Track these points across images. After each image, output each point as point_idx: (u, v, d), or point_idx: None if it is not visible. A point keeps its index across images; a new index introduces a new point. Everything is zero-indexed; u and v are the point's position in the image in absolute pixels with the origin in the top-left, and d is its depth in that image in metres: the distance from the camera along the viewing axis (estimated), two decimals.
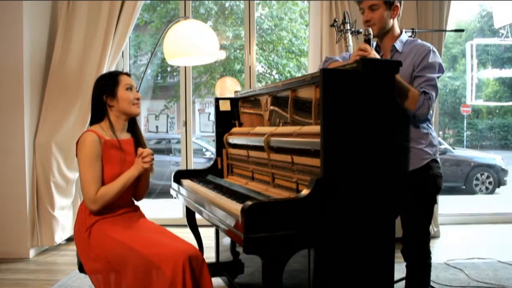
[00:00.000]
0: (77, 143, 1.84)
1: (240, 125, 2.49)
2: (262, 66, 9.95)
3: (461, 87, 12.85)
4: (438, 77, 1.90)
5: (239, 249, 2.36)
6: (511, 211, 4.68)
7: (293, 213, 1.38)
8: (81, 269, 1.87)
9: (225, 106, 2.49)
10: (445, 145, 8.12)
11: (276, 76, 9.93)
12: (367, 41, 1.83)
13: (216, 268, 2.54)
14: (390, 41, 1.98)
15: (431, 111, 1.92)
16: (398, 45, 1.95)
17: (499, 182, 7.65)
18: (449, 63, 13.16)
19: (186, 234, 2.02)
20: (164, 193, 5.59)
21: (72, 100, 3.38)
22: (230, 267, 2.46)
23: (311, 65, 3.62)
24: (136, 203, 2.05)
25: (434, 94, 1.84)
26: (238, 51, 9.60)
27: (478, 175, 7.62)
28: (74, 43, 3.40)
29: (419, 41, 1.98)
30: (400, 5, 1.96)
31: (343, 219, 1.46)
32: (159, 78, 10.96)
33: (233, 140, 2.35)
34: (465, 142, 13.32)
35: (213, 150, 6.23)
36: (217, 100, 2.50)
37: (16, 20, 3.14)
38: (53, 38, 3.47)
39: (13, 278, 2.84)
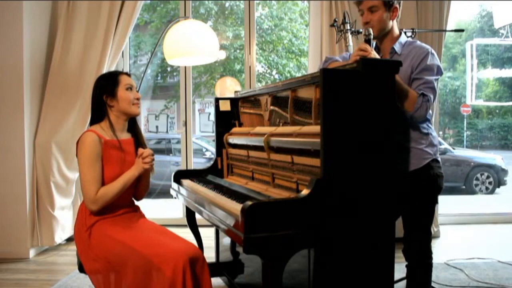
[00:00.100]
0: (77, 143, 1.84)
1: (240, 125, 2.49)
2: (262, 66, 9.95)
3: (461, 87, 12.84)
4: (436, 79, 1.90)
5: (239, 249, 2.36)
6: (511, 211, 4.67)
7: (293, 213, 1.38)
8: (81, 269, 1.87)
9: (225, 106, 2.49)
10: (445, 145, 8.12)
11: (276, 76, 9.93)
12: (367, 41, 1.83)
13: (216, 268, 2.54)
14: (390, 42, 1.98)
15: (430, 112, 1.92)
16: (397, 47, 1.95)
17: (499, 182, 7.65)
18: (449, 63, 13.16)
19: (186, 234, 2.02)
20: (164, 193, 5.59)
21: (72, 100, 3.38)
22: (230, 267, 2.46)
23: (311, 65, 3.62)
24: (136, 203, 2.05)
25: (432, 96, 1.84)
26: (238, 51, 9.61)
27: (478, 175, 7.62)
28: (74, 43, 3.40)
29: (418, 42, 1.98)
30: (399, 6, 1.96)
31: (343, 219, 1.46)
32: (159, 78, 10.96)
33: (233, 140, 2.35)
34: (465, 142, 13.32)
35: (213, 150, 6.23)
36: (217, 100, 2.50)
37: (16, 20, 3.14)
38: (53, 38, 3.47)
39: (13, 278, 2.84)
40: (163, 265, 1.60)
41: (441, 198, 2.16)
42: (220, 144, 2.46)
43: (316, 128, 1.54)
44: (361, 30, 2.21)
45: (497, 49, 12.24)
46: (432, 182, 1.93)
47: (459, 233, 3.95)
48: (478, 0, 11.72)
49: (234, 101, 2.51)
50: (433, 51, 1.92)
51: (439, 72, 1.91)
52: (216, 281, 2.50)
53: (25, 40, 3.17)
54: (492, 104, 13.58)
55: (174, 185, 2.41)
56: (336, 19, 2.44)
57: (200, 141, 8.20)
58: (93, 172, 1.78)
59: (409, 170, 1.93)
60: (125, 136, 1.95)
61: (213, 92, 9.14)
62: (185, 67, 3.95)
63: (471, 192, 7.55)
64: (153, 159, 1.89)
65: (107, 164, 1.83)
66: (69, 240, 3.58)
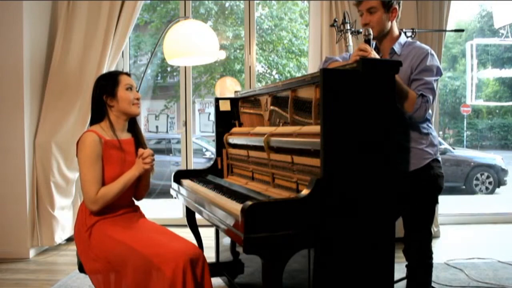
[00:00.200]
0: (77, 143, 1.84)
1: (240, 125, 2.49)
2: (262, 66, 9.95)
3: (461, 87, 12.85)
4: (436, 80, 1.90)
5: (239, 249, 2.36)
6: (511, 211, 4.67)
7: (293, 213, 1.38)
8: (81, 269, 1.87)
9: (225, 106, 2.49)
10: (445, 145, 8.12)
11: (276, 76, 9.93)
12: (367, 41, 1.82)
13: (216, 268, 2.54)
14: (389, 43, 1.98)
15: (430, 112, 1.92)
16: (396, 47, 1.95)
17: (499, 182, 7.65)
18: (449, 63, 13.16)
19: (186, 234, 2.01)
20: (164, 193, 5.59)
21: (72, 100, 3.38)
22: (230, 267, 2.46)
23: (311, 65, 3.62)
24: (136, 203, 2.05)
25: (431, 97, 1.84)
26: (238, 51, 9.61)
27: (478, 175, 7.62)
28: (74, 43, 3.40)
29: (418, 43, 1.98)
30: (399, 7, 1.96)
31: (343, 219, 1.47)
32: (159, 78, 10.96)
33: (233, 140, 2.35)
34: (465, 142, 13.32)
35: (213, 150, 6.23)
36: (217, 100, 2.50)
37: (16, 20, 3.14)
38: (53, 38, 3.47)
39: (13, 278, 2.84)
40: (163, 265, 1.60)
41: (441, 198, 2.16)
42: (220, 144, 2.46)
43: (316, 128, 1.54)
44: (361, 30, 2.21)
45: (497, 49, 12.24)
46: (433, 182, 1.93)
47: (459, 233, 3.95)
48: (478, 0, 11.73)
49: (234, 101, 2.51)
50: (432, 51, 1.92)
51: (439, 73, 1.91)
52: (216, 281, 2.50)
53: (25, 40, 3.17)
54: (492, 104, 13.58)
55: (174, 185, 2.41)
56: (336, 19, 2.44)
57: (200, 141, 8.20)
58: (93, 172, 1.78)
59: (409, 170, 1.93)
60: (125, 136, 1.95)
61: (213, 92, 9.14)
62: (185, 67, 3.95)
63: (471, 192, 7.55)
64: (153, 159, 1.89)
65: (107, 164, 1.83)
66: (69, 240, 3.58)
